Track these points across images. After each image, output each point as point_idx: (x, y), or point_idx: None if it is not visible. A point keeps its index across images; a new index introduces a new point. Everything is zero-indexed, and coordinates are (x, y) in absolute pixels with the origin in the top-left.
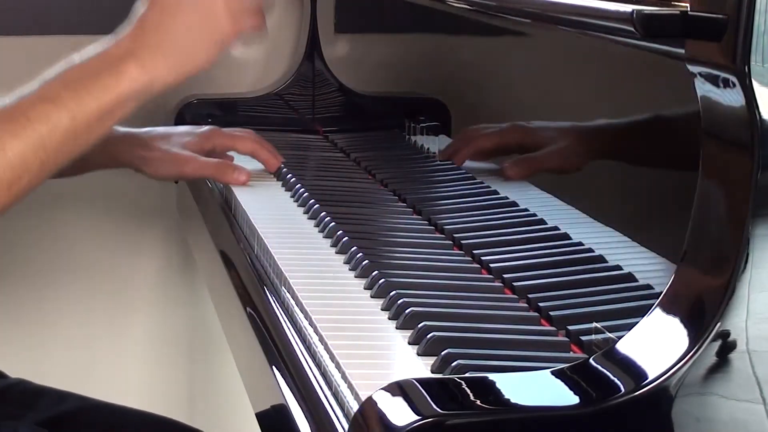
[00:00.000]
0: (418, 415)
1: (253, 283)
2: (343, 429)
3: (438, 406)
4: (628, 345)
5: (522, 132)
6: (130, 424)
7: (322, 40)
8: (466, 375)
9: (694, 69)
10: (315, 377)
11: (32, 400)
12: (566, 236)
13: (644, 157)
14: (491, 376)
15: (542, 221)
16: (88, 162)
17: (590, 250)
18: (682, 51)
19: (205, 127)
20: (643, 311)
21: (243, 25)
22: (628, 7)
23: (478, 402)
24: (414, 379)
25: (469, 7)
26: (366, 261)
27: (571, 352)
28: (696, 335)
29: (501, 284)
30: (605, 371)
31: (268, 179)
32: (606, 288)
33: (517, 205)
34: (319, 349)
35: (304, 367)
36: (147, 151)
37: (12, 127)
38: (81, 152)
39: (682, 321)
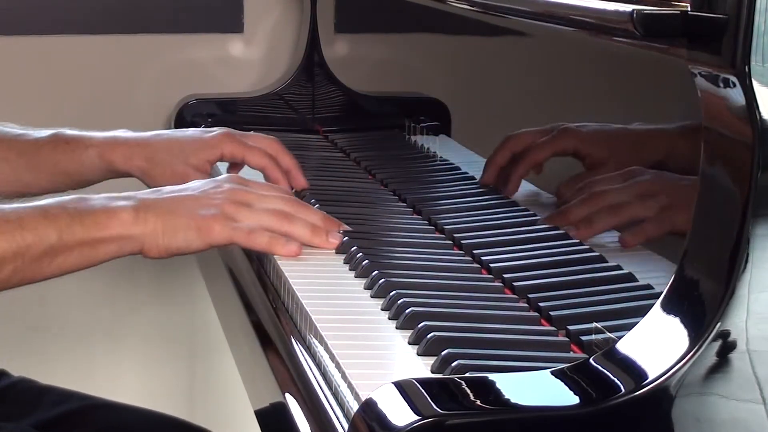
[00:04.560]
0: (417, 415)
1: (252, 283)
2: (343, 429)
3: (438, 406)
4: (628, 345)
5: (575, 136)
6: (132, 421)
7: (322, 40)
8: (466, 375)
9: (694, 69)
10: (315, 377)
11: (35, 399)
12: (566, 236)
13: (644, 156)
14: (491, 376)
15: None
16: (86, 177)
17: (590, 250)
18: (682, 51)
19: (216, 131)
20: (643, 311)
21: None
22: (628, 7)
23: (478, 402)
24: (414, 379)
25: (469, 7)
26: (366, 261)
27: (571, 352)
28: (696, 335)
29: (501, 284)
30: (605, 371)
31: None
32: (606, 288)
33: (517, 205)
34: (319, 349)
35: (304, 367)
36: (149, 165)
37: (4, 226)
38: (51, 277)
39: (682, 321)
